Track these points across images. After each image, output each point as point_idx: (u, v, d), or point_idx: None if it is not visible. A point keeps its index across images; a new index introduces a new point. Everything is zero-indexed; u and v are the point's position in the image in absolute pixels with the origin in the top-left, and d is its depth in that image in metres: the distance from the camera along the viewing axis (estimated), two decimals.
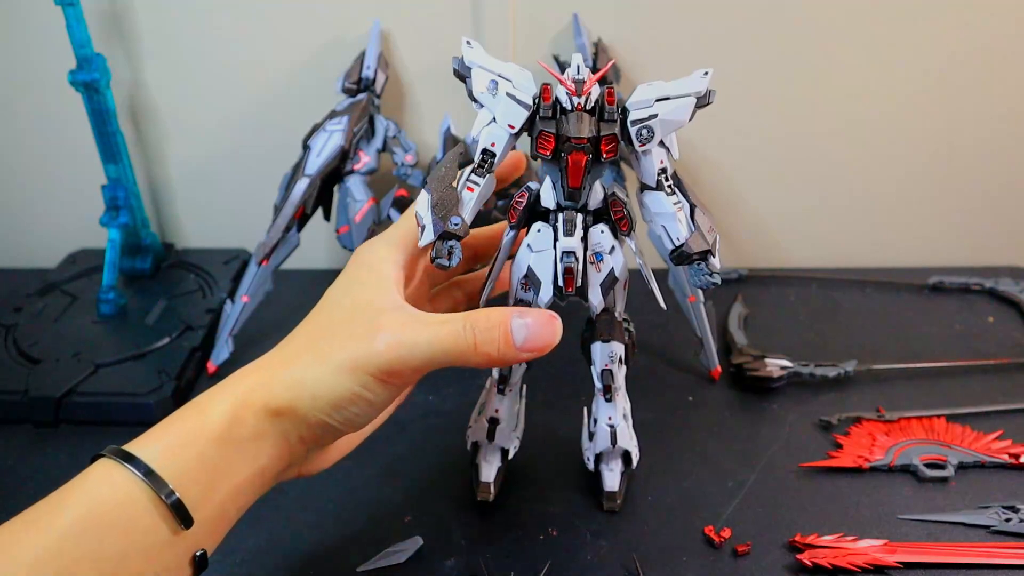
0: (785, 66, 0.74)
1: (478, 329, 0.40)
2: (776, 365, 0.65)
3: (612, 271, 0.47)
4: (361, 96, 0.71)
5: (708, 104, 0.44)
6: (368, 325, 0.40)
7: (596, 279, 0.48)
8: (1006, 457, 0.58)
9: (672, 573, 0.50)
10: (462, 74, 0.45)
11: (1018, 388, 0.65)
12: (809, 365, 0.66)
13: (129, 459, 0.36)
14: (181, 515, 0.36)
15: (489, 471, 0.54)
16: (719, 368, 0.67)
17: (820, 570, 0.49)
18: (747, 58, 0.74)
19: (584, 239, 0.46)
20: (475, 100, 0.44)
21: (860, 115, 0.77)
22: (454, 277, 0.52)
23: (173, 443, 0.38)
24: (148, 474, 0.36)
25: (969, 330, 0.73)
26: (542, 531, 0.53)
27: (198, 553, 0.38)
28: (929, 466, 0.57)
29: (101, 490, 0.36)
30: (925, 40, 0.73)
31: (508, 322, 0.40)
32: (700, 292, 0.66)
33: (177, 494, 0.36)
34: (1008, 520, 0.53)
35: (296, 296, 0.77)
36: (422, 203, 0.44)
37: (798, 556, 0.50)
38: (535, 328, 0.41)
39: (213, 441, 0.38)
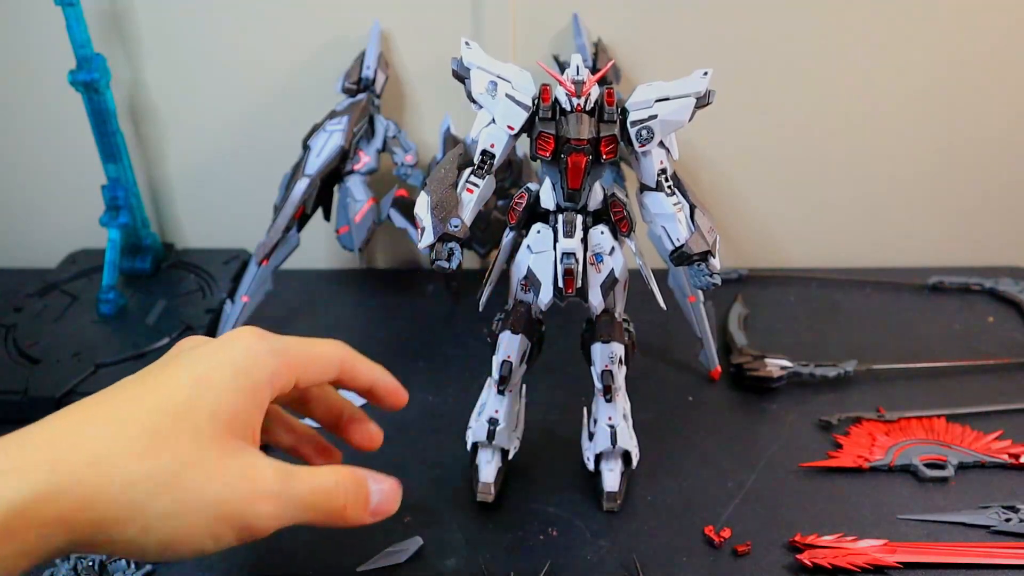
0: (785, 66, 0.74)
1: (349, 490, 0.37)
2: (776, 365, 0.65)
3: (612, 272, 0.47)
4: (361, 96, 0.71)
5: (708, 104, 0.44)
6: (244, 465, 0.33)
7: (596, 280, 0.48)
8: (1006, 457, 0.58)
9: (672, 573, 0.50)
10: (461, 75, 0.45)
11: (1018, 388, 0.65)
12: (809, 365, 0.66)
13: None
14: None
15: (489, 471, 0.54)
16: (719, 368, 0.67)
17: (820, 570, 0.49)
18: (747, 58, 0.74)
19: (584, 240, 0.46)
20: (474, 101, 0.44)
21: (860, 115, 0.77)
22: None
23: None
24: None
25: (969, 330, 0.73)
26: (542, 531, 0.53)
27: None
28: (929, 466, 0.57)
29: None
30: (925, 40, 0.73)
31: (368, 485, 0.39)
32: (700, 292, 0.66)
33: None
34: (1008, 520, 0.53)
35: (296, 296, 0.78)
36: (422, 205, 0.44)
37: (798, 556, 0.50)
38: (387, 494, 0.39)
39: None
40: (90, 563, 0.49)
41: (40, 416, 0.60)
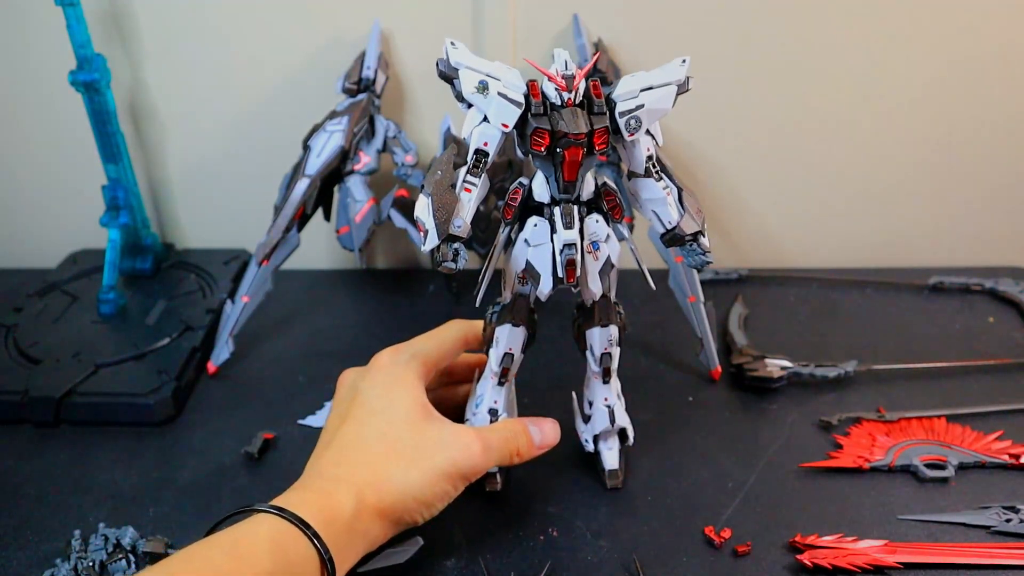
0: (786, 66, 0.74)
1: (520, 436, 0.51)
2: (776, 365, 0.65)
3: (609, 258, 0.48)
4: (361, 96, 0.71)
5: (687, 91, 0.45)
6: (452, 435, 0.48)
7: (594, 268, 0.48)
8: (1006, 457, 0.57)
9: (672, 573, 0.50)
10: (448, 75, 0.45)
11: (1018, 388, 0.65)
12: (809, 365, 0.66)
13: (303, 524, 0.43)
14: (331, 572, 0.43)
15: None
16: (719, 368, 0.67)
17: (820, 570, 0.49)
18: (748, 58, 0.74)
19: (580, 230, 0.47)
20: (463, 100, 0.45)
21: (860, 115, 0.76)
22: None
23: (323, 521, 0.44)
24: (317, 538, 0.43)
25: (969, 330, 0.73)
26: (542, 531, 0.53)
27: None
28: (929, 466, 0.57)
29: (287, 547, 0.42)
30: (925, 40, 0.73)
31: (527, 429, 0.52)
32: (700, 293, 0.66)
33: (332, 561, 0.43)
34: (1008, 520, 0.52)
35: (296, 296, 0.78)
36: (422, 207, 0.44)
37: (798, 556, 0.50)
38: (546, 433, 0.52)
39: (344, 528, 0.44)
40: (90, 563, 0.49)
41: (41, 416, 0.61)
